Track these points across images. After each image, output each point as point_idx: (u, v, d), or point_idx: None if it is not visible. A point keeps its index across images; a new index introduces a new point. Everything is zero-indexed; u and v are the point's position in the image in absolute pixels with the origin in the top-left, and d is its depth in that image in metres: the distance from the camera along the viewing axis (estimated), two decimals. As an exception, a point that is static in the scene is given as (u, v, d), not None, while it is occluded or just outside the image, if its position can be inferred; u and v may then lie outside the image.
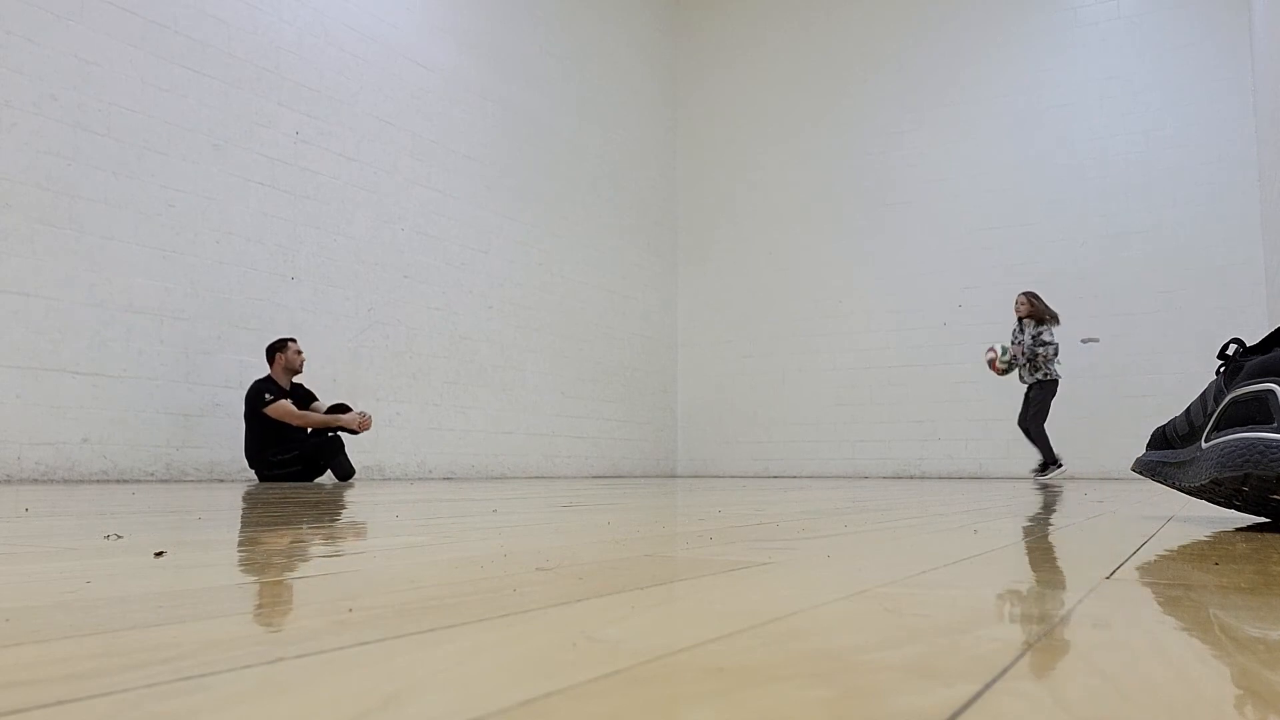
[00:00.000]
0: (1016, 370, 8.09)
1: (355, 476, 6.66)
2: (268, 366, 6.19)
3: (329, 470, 6.27)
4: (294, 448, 6.08)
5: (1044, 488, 5.04)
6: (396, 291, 7.62)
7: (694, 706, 0.38)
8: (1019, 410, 8.11)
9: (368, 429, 6.39)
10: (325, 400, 6.58)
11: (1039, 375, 7.94)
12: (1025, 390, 8.08)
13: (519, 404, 8.79)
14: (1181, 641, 0.54)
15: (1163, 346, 8.67)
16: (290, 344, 6.16)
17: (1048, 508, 2.35)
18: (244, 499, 2.87)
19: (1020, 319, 8.05)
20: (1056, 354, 7.99)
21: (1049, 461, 7.91)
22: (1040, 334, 7.91)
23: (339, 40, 7.29)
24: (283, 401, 6.02)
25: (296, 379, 6.33)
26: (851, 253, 10.22)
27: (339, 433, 6.36)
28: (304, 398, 6.29)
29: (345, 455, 6.26)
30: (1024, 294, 8.09)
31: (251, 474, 6.22)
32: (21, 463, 5.25)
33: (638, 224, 10.64)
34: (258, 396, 5.98)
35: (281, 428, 6.05)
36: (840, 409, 10.14)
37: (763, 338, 10.65)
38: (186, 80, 6.21)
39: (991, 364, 7.95)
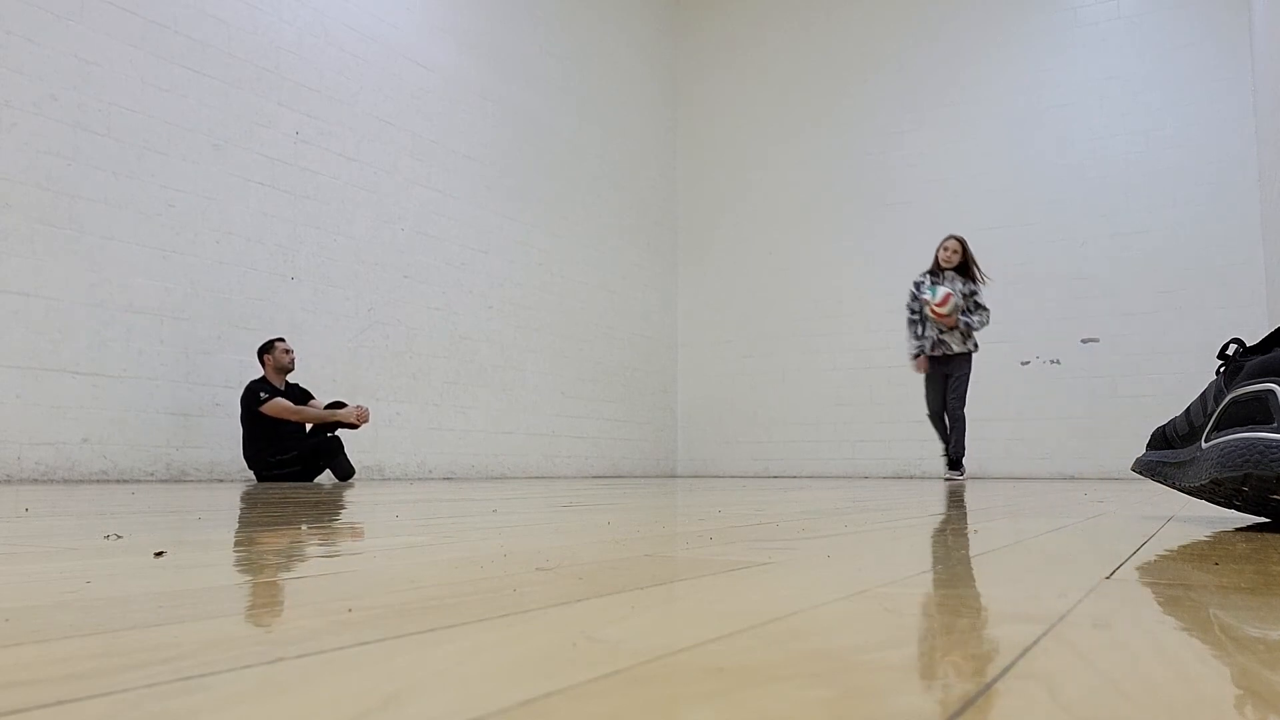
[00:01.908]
0: (934, 337, 6.82)
1: (355, 476, 6.66)
2: (261, 369, 6.21)
3: (328, 470, 6.27)
4: (292, 448, 6.08)
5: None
6: (396, 291, 7.62)
7: (694, 706, 0.38)
8: (929, 394, 6.95)
9: (366, 421, 6.39)
10: (322, 399, 6.59)
11: (970, 345, 6.88)
12: (937, 363, 6.85)
13: (519, 404, 8.79)
14: (1181, 641, 0.54)
15: (1163, 346, 8.67)
16: (278, 344, 6.17)
17: (1047, 508, 2.35)
18: (244, 499, 2.87)
19: (944, 271, 6.86)
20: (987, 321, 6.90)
21: (961, 454, 6.94)
22: (974, 293, 6.88)
23: (339, 40, 7.29)
24: (278, 399, 6.03)
25: (290, 378, 6.34)
26: (851, 253, 10.22)
27: (338, 432, 6.37)
28: (300, 396, 6.30)
29: (345, 455, 6.26)
30: (956, 239, 6.93)
31: (251, 475, 6.22)
32: (21, 463, 5.25)
33: (638, 224, 10.64)
34: (253, 396, 5.99)
35: (279, 427, 6.06)
36: (840, 409, 10.13)
37: (763, 338, 10.65)
38: (186, 80, 6.21)
39: (945, 307, 6.57)
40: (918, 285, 7.02)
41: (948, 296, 6.62)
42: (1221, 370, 1.58)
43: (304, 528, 1.57)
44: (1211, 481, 1.50)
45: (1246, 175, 8.50)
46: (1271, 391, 1.41)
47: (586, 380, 9.69)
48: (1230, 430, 1.48)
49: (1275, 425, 1.38)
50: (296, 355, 6.48)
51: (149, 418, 5.88)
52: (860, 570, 0.90)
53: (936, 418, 7.06)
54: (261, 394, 5.99)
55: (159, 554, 1.06)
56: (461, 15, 8.43)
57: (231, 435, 6.23)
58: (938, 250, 7.00)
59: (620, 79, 10.52)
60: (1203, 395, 1.63)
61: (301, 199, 6.91)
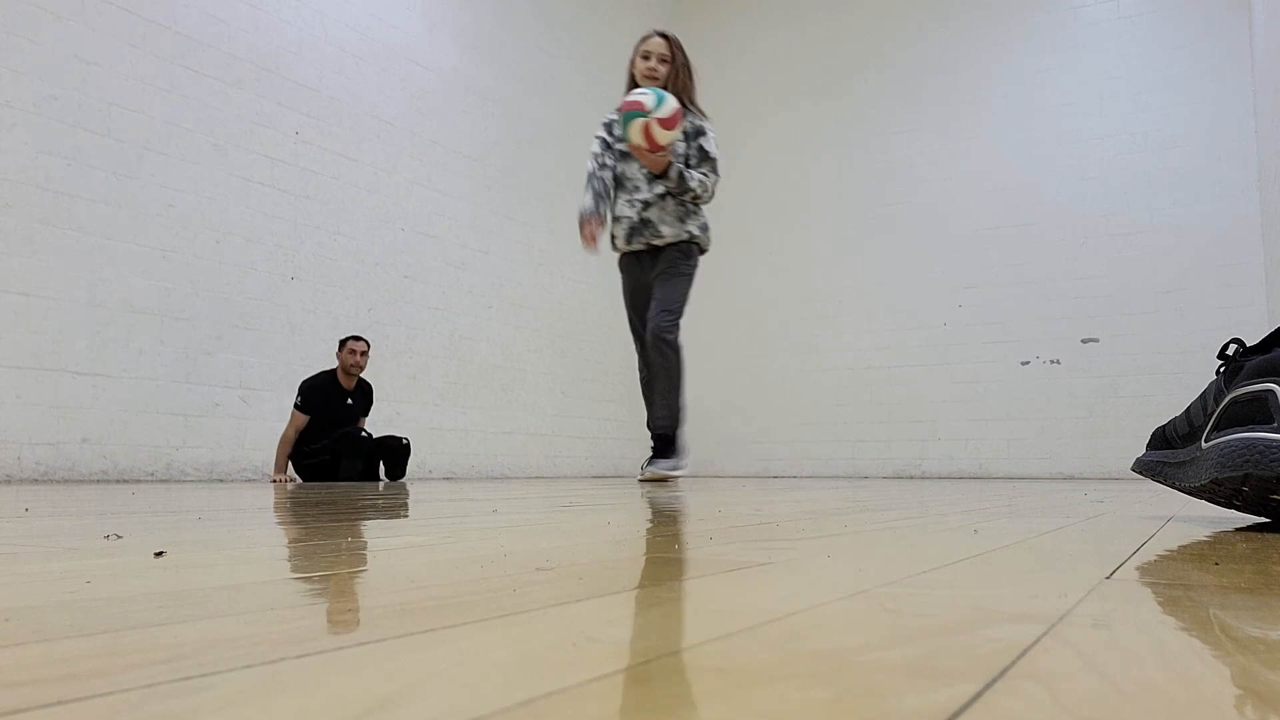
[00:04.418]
0: (632, 217, 4.19)
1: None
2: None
3: (346, 468, 6.23)
4: (323, 438, 6.25)
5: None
6: (396, 291, 7.62)
7: (694, 706, 0.38)
8: (633, 320, 4.51)
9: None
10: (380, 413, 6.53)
11: (691, 229, 4.20)
12: (637, 263, 4.33)
13: (519, 404, 8.79)
14: (1181, 641, 0.54)
15: (1163, 346, 8.67)
16: (348, 343, 6.33)
17: (1047, 508, 2.35)
18: (244, 499, 2.87)
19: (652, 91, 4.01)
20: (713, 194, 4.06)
21: (672, 427, 4.31)
22: (701, 132, 4.22)
23: (339, 40, 7.29)
24: (295, 415, 6.20)
25: (364, 375, 6.55)
26: (851, 253, 10.22)
27: (359, 434, 6.36)
28: (361, 401, 6.48)
29: (352, 459, 6.23)
30: (662, 36, 4.46)
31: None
32: (21, 463, 5.25)
33: (638, 224, 10.63)
34: (297, 395, 6.22)
35: (321, 421, 6.22)
36: (840, 409, 10.13)
37: (763, 338, 10.65)
38: (186, 80, 6.21)
39: (674, 129, 3.90)
40: (608, 126, 4.42)
41: (678, 113, 3.89)
42: (1221, 370, 1.58)
43: (304, 528, 1.57)
44: (1211, 481, 1.50)
45: (1246, 175, 8.49)
46: (1271, 391, 1.41)
47: (586, 380, 9.68)
48: (1230, 430, 1.48)
49: (1275, 425, 1.38)
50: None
51: (149, 418, 5.88)
52: (860, 570, 0.90)
53: (647, 364, 4.39)
54: (297, 399, 6.18)
55: (159, 554, 1.06)
56: (461, 15, 8.43)
57: (231, 435, 6.23)
58: (633, 60, 4.46)
59: (621, 79, 10.51)
60: (1203, 395, 1.63)
61: (301, 199, 6.91)
